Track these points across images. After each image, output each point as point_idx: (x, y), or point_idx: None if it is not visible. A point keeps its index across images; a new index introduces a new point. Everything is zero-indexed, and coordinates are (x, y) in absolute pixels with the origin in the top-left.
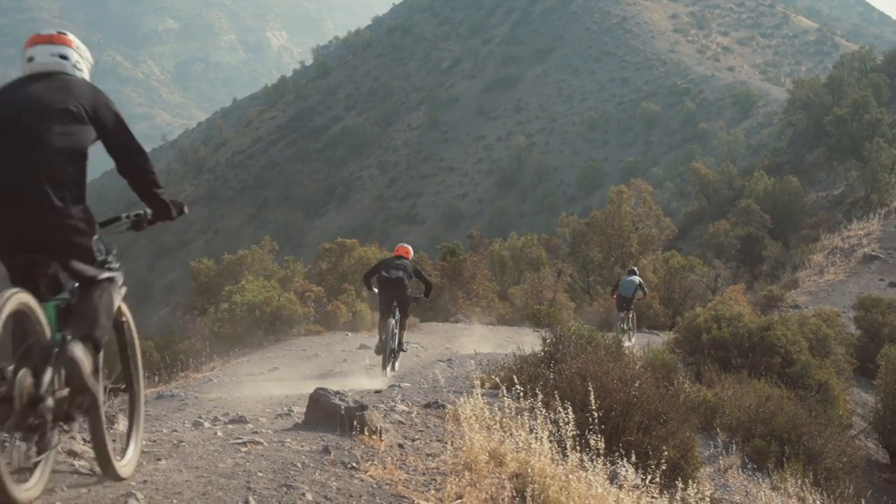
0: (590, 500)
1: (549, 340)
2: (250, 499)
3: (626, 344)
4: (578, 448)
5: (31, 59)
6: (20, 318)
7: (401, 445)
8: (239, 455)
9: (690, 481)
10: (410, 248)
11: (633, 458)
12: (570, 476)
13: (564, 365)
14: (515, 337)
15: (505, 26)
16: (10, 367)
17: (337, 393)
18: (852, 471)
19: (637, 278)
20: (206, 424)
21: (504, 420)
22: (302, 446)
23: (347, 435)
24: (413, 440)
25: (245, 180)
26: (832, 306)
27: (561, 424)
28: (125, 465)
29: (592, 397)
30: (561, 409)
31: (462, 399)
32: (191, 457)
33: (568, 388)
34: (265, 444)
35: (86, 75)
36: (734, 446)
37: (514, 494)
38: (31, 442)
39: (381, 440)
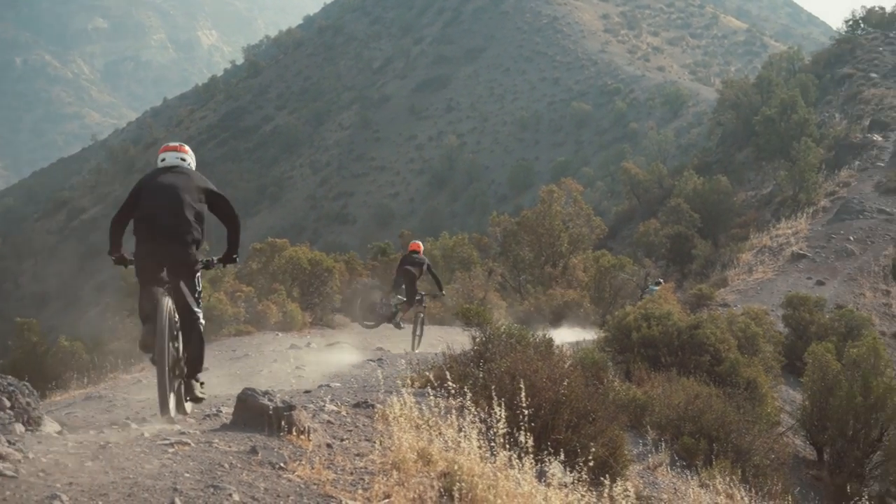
0: (517, 498)
1: (478, 339)
2: (176, 500)
3: None
4: (507, 446)
5: (163, 160)
6: (170, 311)
7: (329, 445)
8: (166, 456)
9: (618, 479)
10: (421, 243)
11: (562, 457)
12: (499, 474)
13: (494, 364)
14: (446, 336)
15: (436, 26)
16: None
17: (265, 393)
18: (780, 468)
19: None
20: (134, 425)
21: (433, 419)
22: (229, 447)
23: (275, 435)
24: (342, 440)
25: None
26: (761, 305)
27: (490, 423)
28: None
29: (523, 395)
30: (490, 408)
31: (391, 399)
32: (117, 458)
33: (497, 387)
34: (192, 444)
35: (193, 167)
36: (663, 444)
37: (442, 493)
38: (178, 385)
39: (310, 440)
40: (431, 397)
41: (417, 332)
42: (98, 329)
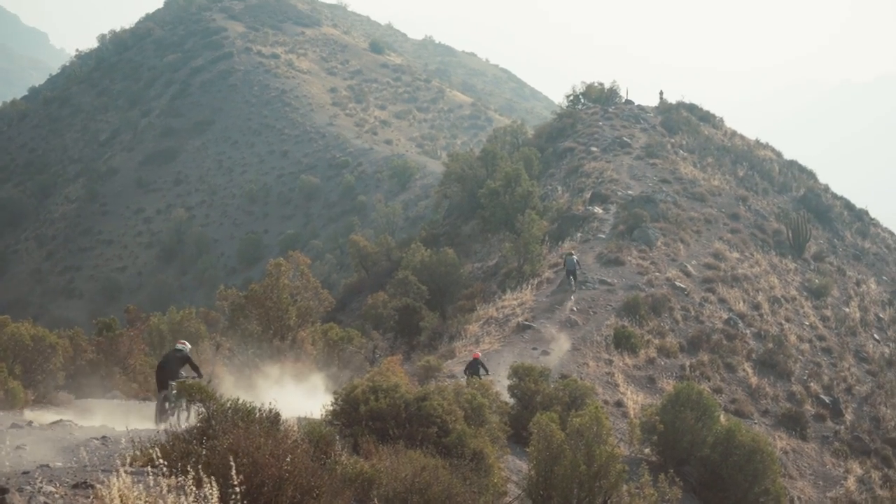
0: None
1: (202, 416)
2: None
3: (573, 297)
4: None
5: (175, 346)
6: (165, 397)
7: None
8: None
9: None
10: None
11: None
12: None
13: (217, 441)
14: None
15: (164, 98)
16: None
17: None
18: None
19: (576, 256)
20: None
21: (152, 499)
22: None
23: None
24: None
25: None
26: (487, 376)
27: (210, 502)
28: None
29: (234, 472)
30: (212, 486)
31: (110, 478)
32: None
33: (220, 465)
34: None
35: (188, 349)
36: None
37: None
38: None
39: None
40: (150, 476)
41: None
42: None
